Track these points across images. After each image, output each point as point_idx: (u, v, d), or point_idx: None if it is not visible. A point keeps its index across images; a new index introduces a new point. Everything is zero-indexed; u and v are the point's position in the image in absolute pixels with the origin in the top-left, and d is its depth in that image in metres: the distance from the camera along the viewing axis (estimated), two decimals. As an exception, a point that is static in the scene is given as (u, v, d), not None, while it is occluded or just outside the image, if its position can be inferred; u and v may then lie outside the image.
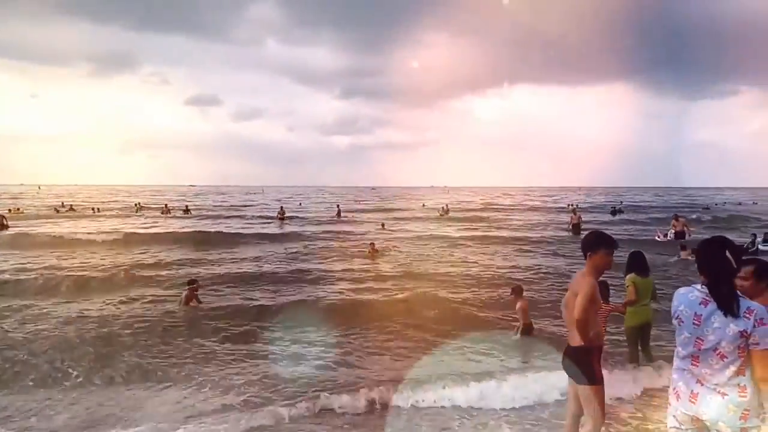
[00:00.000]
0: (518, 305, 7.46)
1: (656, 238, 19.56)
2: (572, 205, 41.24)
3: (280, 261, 14.58)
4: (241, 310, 8.72)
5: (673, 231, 17.84)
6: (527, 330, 7.34)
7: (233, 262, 14.23)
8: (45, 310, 8.64)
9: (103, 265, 13.21)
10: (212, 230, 22.32)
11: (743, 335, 2.26)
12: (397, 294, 9.95)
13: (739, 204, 50.95)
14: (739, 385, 2.28)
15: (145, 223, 26.02)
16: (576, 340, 3.34)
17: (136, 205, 44.96)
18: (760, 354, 2.24)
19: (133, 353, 6.53)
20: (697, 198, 69.97)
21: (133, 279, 11.45)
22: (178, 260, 14.26)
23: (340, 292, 10.32)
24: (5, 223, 22.21)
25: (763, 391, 2.28)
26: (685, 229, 18.35)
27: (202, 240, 18.95)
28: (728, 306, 2.30)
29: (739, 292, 2.38)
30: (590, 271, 3.35)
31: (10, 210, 33.02)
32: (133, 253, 15.55)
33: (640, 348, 6.13)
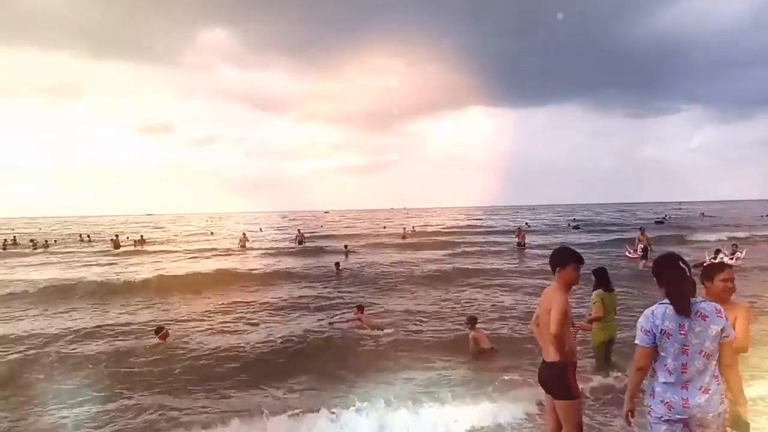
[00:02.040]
0: (471, 335, 7.68)
1: (627, 254, 20.11)
2: (524, 225, 42.54)
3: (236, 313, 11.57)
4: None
5: (641, 246, 18.10)
6: (481, 354, 7.49)
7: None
8: None
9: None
10: (164, 272, 18.67)
11: (723, 331, 2.64)
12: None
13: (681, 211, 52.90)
14: (714, 375, 2.68)
15: (89, 262, 24.19)
16: (551, 356, 3.40)
17: (81, 237, 42.81)
18: (728, 344, 2.67)
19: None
20: (649, 212, 72.91)
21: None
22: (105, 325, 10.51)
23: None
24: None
25: (726, 377, 2.69)
26: (648, 244, 18.47)
27: (152, 284, 15.68)
28: (684, 307, 2.62)
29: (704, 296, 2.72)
30: (560, 286, 3.43)
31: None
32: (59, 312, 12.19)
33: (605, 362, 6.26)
